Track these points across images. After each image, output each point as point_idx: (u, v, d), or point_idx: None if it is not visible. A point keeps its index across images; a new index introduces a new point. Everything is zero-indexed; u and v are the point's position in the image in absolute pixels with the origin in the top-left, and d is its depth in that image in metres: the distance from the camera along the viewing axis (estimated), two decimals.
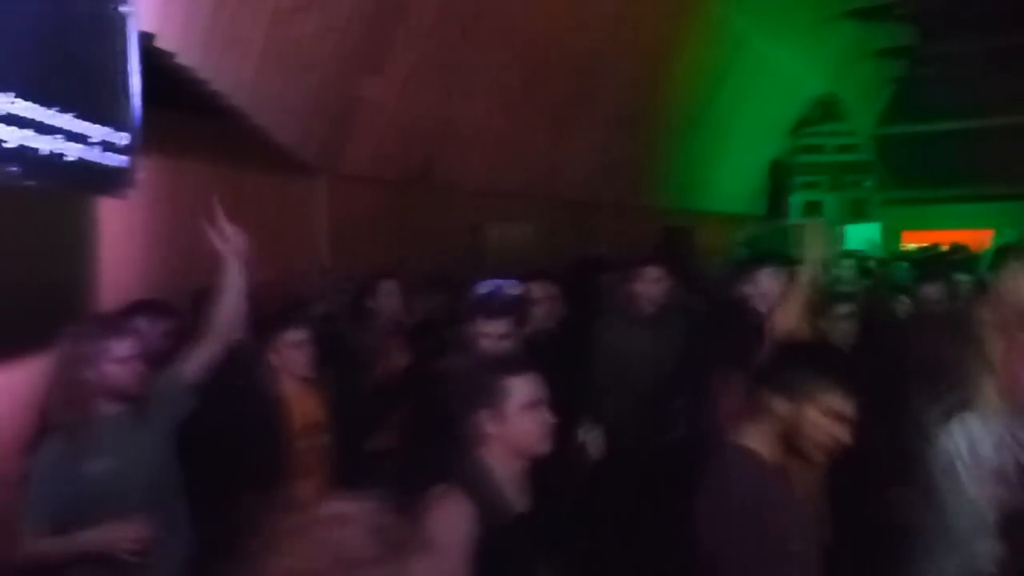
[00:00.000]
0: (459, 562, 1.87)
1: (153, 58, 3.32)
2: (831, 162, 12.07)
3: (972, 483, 2.17)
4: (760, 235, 11.13)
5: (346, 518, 1.19)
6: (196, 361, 2.70)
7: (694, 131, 10.61)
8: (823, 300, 4.33)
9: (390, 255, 5.75)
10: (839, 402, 2.01)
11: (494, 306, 3.31)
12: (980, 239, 11.84)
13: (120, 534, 2.36)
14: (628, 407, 3.77)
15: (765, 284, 3.57)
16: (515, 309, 3.45)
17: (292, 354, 3.13)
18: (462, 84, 6.45)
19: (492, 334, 3.10)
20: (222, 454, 2.86)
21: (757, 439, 2.10)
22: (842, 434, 2.02)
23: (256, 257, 2.91)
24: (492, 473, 2.08)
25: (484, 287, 4.04)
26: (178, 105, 4.26)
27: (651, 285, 4.09)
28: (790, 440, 2.08)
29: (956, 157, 15.64)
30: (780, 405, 2.06)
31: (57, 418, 2.45)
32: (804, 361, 2.15)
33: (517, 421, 2.07)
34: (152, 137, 3.21)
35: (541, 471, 2.19)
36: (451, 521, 1.92)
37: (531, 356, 3.56)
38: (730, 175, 12.25)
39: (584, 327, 4.30)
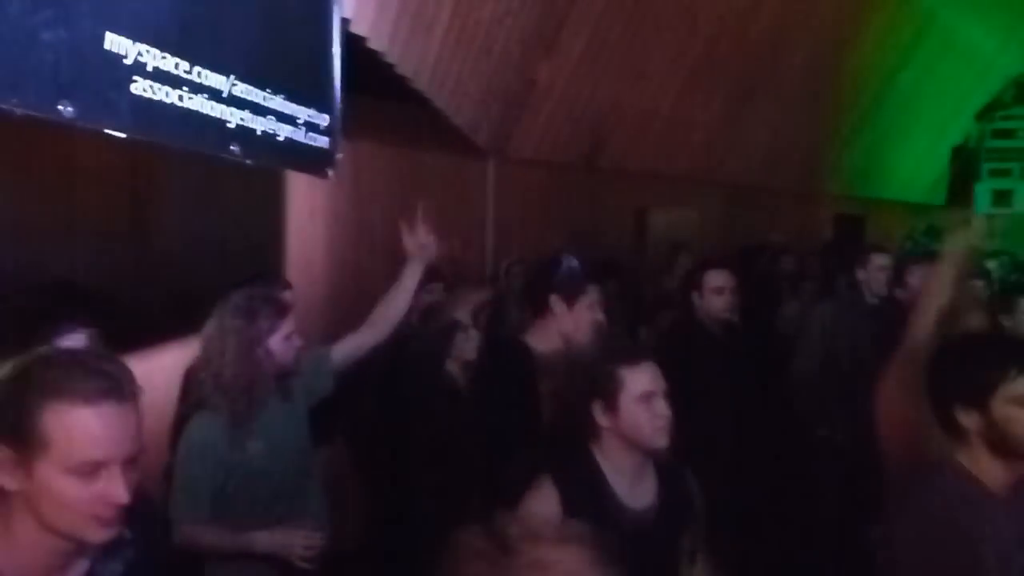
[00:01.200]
0: None
1: (348, 43, 3.42)
2: None
3: None
4: (941, 226, 10.33)
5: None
6: (347, 348, 2.64)
7: (873, 114, 9.99)
8: (1003, 295, 4.03)
9: (555, 239, 5.75)
10: None
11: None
12: None
13: (296, 539, 2.26)
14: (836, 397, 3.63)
15: (916, 282, 3.29)
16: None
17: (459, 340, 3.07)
18: (632, 66, 6.33)
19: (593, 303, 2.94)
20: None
21: (969, 459, 1.88)
22: None
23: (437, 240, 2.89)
24: (603, 467, 2.00)
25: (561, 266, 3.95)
26: (363, 88, 4.41)
27: (878, 273, 3.96)
28: (1001, 449, 1.85)
29: None
30: (969, 417, 1.86)
31: (218, 398, 2.31)
32: (972, 359, 1.92)
33: (631, 413, 1.96)
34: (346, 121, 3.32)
35: (673, 467, 2.09)
36: (543, 511, 1.83)
37: (707, 349, 3.48)
38: (909, 161, 11.48)
39: (763, 316, 4.15)
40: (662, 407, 1.98)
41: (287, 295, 3.14)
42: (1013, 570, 1.87)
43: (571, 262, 4.13)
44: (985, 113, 11.39)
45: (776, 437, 3.90)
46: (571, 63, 5.86)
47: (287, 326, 2.41)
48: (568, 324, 2.90)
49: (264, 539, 2.27)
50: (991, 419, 1.84)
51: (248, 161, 2.56)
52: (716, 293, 3.59)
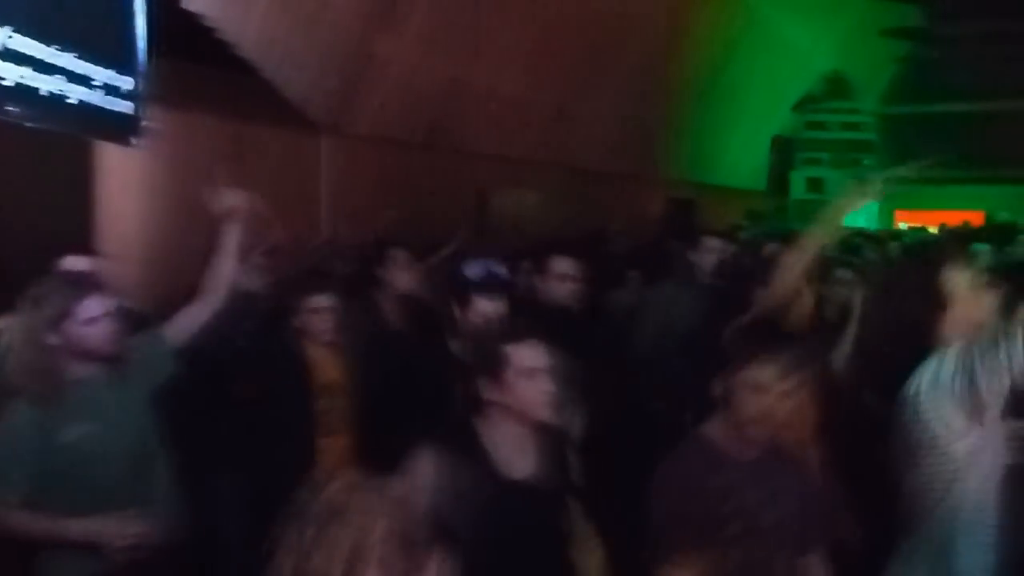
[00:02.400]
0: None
1: (162, 2, 3.12)
2: (835, 139, 11.93)
3: (934, 410, 2.34)
4: (762, 211, 11.01)
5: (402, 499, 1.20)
6: (182, 324, 2.56)
7: (703, 102, 10.44)
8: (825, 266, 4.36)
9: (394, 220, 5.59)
10: (767, 375, 2.12)
11: (489, 286, 3.17)
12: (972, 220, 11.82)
13: (116, 529, 2.20)
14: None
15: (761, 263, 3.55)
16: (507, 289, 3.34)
17: (315, 319, 3.03)
18: (473, 44, 6.23)
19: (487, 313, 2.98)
20: (246, 414, 2.75)
21: (715, 427, 2.24)
22: (776, 408, 2.12)
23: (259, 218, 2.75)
24: (486, 438, 2.09)
25: (473, 268, 3.90)
26: (183, 53, 4.06)
27: (709, 256, 4.07)
28: (741, 423, 2.18)
29: (958, 139, 15.59)
30: (719, 387, 2.18)
31: (22, 385, 2.25)
32: (745, 338, 2.32)
33: (516, 388, 2.05)
34: (157, 86, 3.02)
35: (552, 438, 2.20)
36: (416, 478, 1.91)
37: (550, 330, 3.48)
38: (734, 149, 12.11)
39: (603, 302, 4.19)
40: (546, 382, 2.07)
41: (93, 276, 2.88)
42: (757, 530, 2.15)
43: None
44: (800, 106, 12.20)
45: (619, 417, 3.95)
46: (411, 38, 5.69)
47: (89, 309, 2.27)
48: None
49: (77, 527, 2.20)
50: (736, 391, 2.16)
51: (29, 124, 2.25)
52: (560, 280, 3.55)
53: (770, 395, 2.14)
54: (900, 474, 2.42)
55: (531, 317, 3.46)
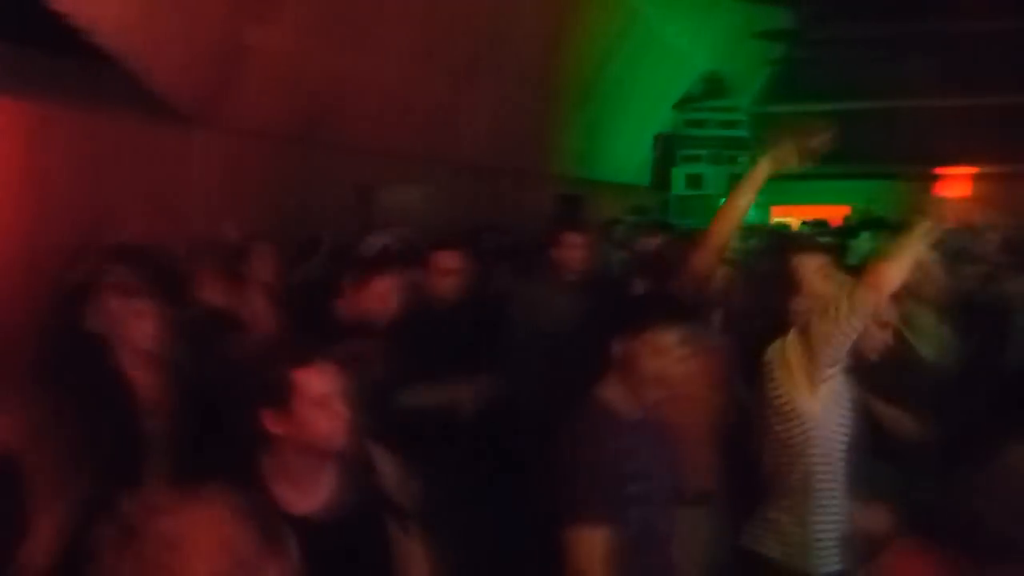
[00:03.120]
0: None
1: None
2: (712, 137, 12.40)
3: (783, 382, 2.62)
4: (646, 206, 11.33)
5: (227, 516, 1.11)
6: None
7: (588, 99, 10.64)
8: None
9: (272, 216, 5.46)
10: (667, 338, 2.25)
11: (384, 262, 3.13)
12: (840, 214, 12.62)
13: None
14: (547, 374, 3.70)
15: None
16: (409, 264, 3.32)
17: (133, 325, 2.60)
18: (354, 36, 6.16)
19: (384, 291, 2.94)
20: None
21: (611, 390, 2.33)
22: (673, 369, 2.27)
23: (128, 214, 2.59)
24: (269, 474, 1.89)
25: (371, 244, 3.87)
26: (34, 39, 3.85)
27: (571, 251, 4.03)
28: (632, 383, 2.31)
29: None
30: (618, 349, 2.29)
31: None
32: (640, 307, 2.46)
33: (306, 418, 1.86)
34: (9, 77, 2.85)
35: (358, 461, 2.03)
36: (205, 522, 1.76)
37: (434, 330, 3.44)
38: (620, 145, 12.38)
39: (492, 297, 4.21)
40: (340, 408, 1.90)
41: None
42: (649, 484, 2.29)
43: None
44: (681, 105, 12.62)
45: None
46: (287, 29, 5.56)
47: None
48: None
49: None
50: (632, 357, 2.29)
51: None
52: (444, 274, 3.56)
53: (667, 358, 2.27)
54: (761, 440, 2.68)
55: (418, 314, 3.48)
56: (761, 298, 3.15)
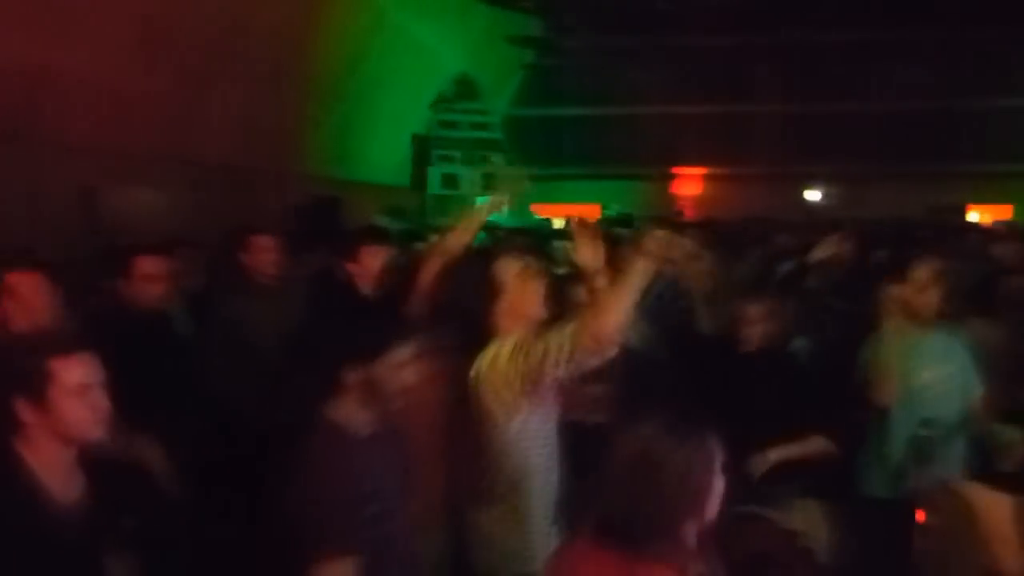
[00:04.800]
0: None
1: None
2: (465, 138, 12.84)
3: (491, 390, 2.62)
4: (401, 207, 11.51)
5: None
6: None
7: (339, 99, 10.62)
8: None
9: None
10: (402, 357, 2.24)
11: None
12: (591, 212, 13.55)
13: None
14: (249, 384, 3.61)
15: (367, 262, 3.56)
16: None
17: None
18: (62, 28, 5.76)
19: None
20: None
21: (341, 410, 2.25)
22: (410, 383, 2.25)
23: None
24: (30, 464, 1.89)
25: None
26: None
27: (261, 255, 3.92)
28: (369, 402, 2.25)
29: (578, 140, 17.62)
30: (353, 373, 2.23)
31: None
32: (372, 328, 2.35)
33: (63, 408, 1.87)
34: None
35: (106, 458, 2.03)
36: None
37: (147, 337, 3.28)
38: (377, 145, 12.47)
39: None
40: (99, 398, 1.91)
41: None
42: (387, 501, 2.25)
43: None
44: (435, 105, 12.95)
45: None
46: None
47: None
48: None
49: None
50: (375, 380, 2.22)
51: None
52: (147, 280, 3.41)
53: (404, 375, 2.24)
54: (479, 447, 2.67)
55: (117, 323, 3.31)
56: (463, 300, 3.10)
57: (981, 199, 16.42)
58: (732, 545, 2.89)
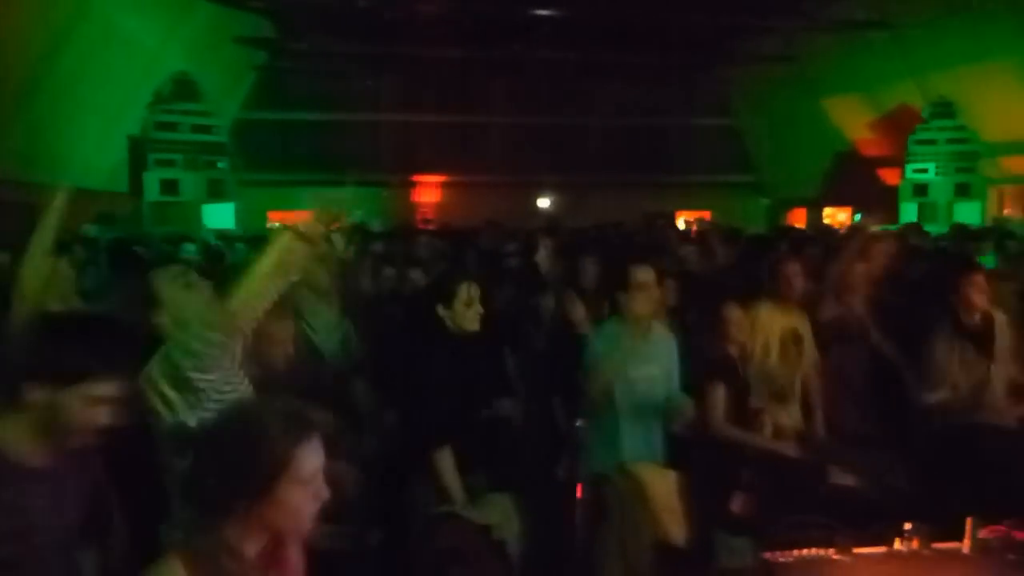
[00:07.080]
0: None
1: None
2: (186, 140, 12.01)
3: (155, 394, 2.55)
4: (112, 214, 10.56)
5: None
6: None
7: (31, 96, 9.54)
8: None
9: None
10: (103, 388, 2.07)
11: None
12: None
13: None
14: None
15: None
16: None
17: None
18: None
19: None
20: None
21: (10, 433, 2.06)
22: (86, 413, 2.06)
23: None
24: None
25: None
26: None
27: None
28: (46, 430, 2.08)
29: (314, 145, 17.26)
30: (38, 394, 2.04)
31: None
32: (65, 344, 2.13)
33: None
34: None
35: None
36: None
37: None
38: (85, 147, 11.31)
39: None
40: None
41: None
42: (46, 534, 2.09)
43: None
44: (151, 106, 12.05)
45: None
46: None
47: None
48: None
49: None
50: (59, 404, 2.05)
51: None
52: None
53: (84, 401, 2.05)
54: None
55: None
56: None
57: (688, 206, 18.33)
58: (423, 544, 2.97)
